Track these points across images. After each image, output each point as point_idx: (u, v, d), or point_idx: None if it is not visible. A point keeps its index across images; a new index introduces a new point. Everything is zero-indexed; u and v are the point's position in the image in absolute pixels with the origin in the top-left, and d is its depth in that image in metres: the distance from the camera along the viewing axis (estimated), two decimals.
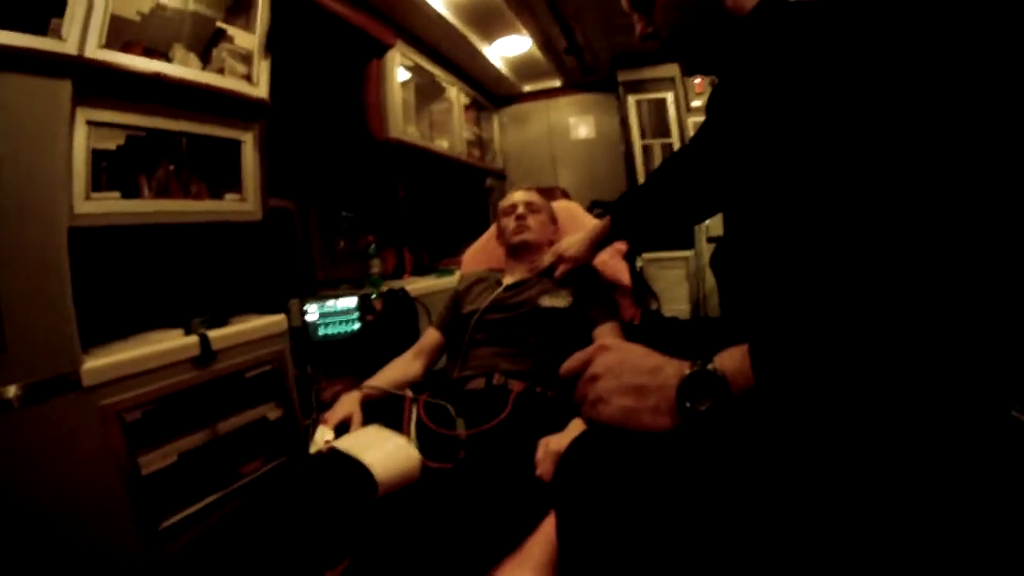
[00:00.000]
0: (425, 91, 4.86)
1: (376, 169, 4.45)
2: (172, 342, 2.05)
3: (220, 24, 2.57)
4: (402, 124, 4.06)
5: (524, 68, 5.80)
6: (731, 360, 0.77)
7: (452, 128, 5.09)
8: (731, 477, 0.76)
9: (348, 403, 1.70)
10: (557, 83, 6.30)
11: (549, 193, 2.93)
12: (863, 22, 0.78)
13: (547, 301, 1.94)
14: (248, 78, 2.58)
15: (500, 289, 2.06)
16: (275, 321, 2.47)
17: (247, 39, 2.61)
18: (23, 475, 1.62)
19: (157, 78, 2.13)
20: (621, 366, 0.88)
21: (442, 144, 4.91)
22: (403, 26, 4.14)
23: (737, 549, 0.72)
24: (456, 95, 5.16)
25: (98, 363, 1.81)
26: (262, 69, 2.65)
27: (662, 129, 5.57)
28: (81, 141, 1.91)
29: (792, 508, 0.73)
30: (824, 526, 0.72)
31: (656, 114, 5.60)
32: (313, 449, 1.50)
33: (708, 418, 0.77)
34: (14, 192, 1.67)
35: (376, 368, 1.99)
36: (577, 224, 2.40)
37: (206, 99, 2.36)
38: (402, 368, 2.00)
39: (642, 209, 1.73)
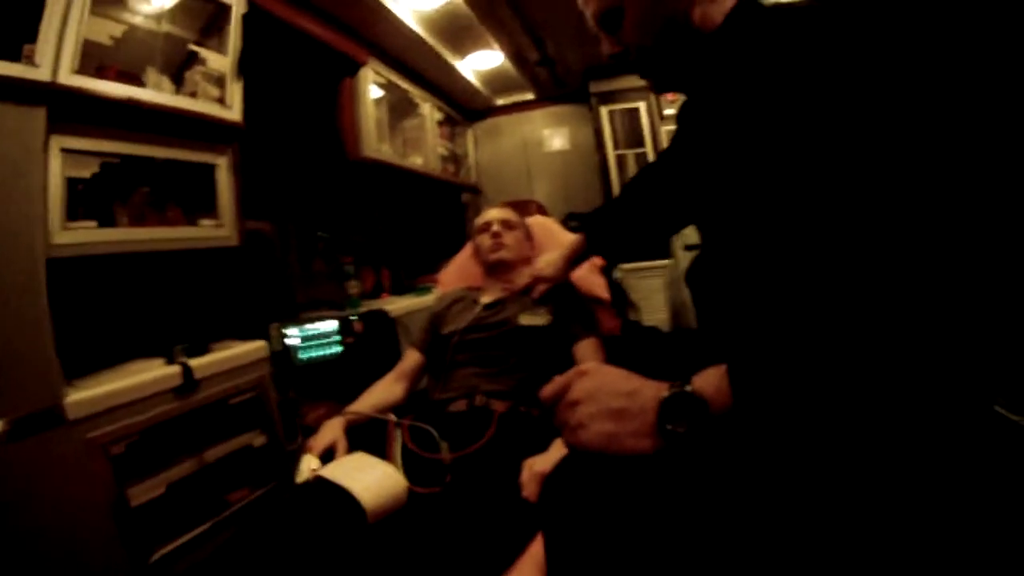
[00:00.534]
0: (398, 108, 4.85)
1: (351, 188, 4.43)
2: (154, 372, 2.03)
3: (193, 47, 2.56)
4: (376, 142, 4.06)
5: (497, 82, 5.80)
6: (709, 381, 0.78)
7: (426, 144, 5.08)
8: (714, 497, 0.77)
9: (332, 430, 1.70)
10: (530, 96, 6.30)
11: (524, 207, 2.94)
12: (831, 38, 0.80)
13: (526, 319, 1.95)
14: (221, 101, 2.57)
15: (479, 308, 2.06)
16: (256, 347, 2.45)
17: (220, 61, 2.60)
18: (11, 511, 1.59)
19: (131, 103, 2.11)
20: (600, 391, 0.88)
21: (416, 161, 4.90)
22: (375, 43, 4.13)
23: (721, 568, 0.73)
24: (429, 111, 5.15)
25: (82, 396, 1.79)
26: (235, 91, 2.63)
27: (636, 139, 5.58)
28: (56, 170, 1.89)
29: (776, 529, 0.73)
30: (807, 544, 0.72)
31: (629, 124, 5.62)
32: (300, 479, 1.50)
33: (688, 440, 0.78)
34: None
35: (359, 390, 2.00)
36: (553, 239, 2.42)
37: (180, 123, 2.35)
38: (384, 391, 2.01)
39: (615, 224, 1.74)
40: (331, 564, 1.22)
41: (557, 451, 1.36)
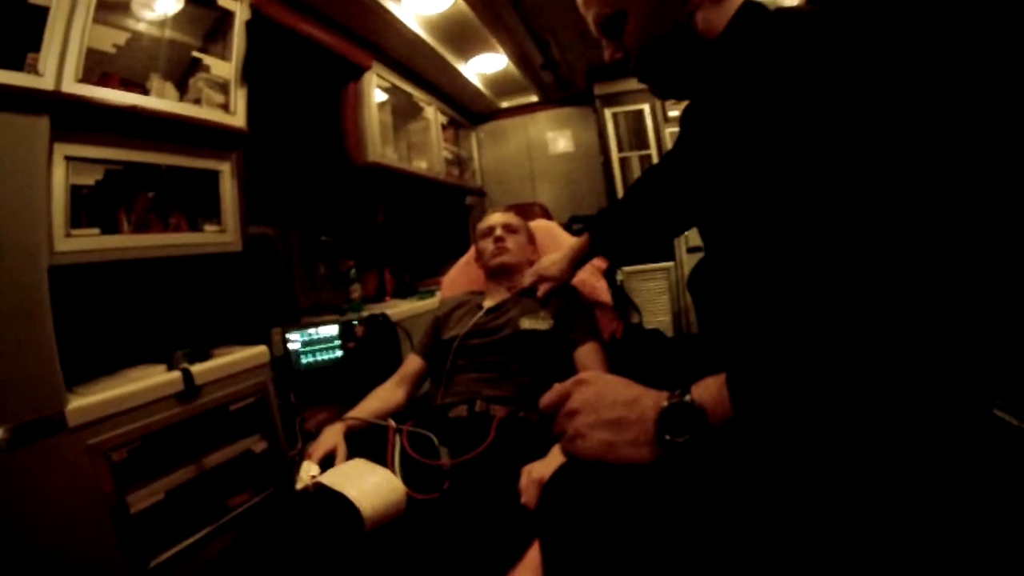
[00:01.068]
0: (402, 112, 4.86)
1: (355, 193, 4.44)
2: (156, 378, 2.04)
3: (196, 54, 2.57)
4: (380, 147, 4.06)
5: (501, 85, 5.80)
6: (708, 391, 0.79)
7: (430, 148, 5.08)
8: (712, 506, 0.78)
9: (332, 435, 1.70)
10: (534, 98, 6.30)
11: (528, 210, 2.95)
12: (832, 44, 0.80)
13: (527, 323, 1.95)
14: (225, 107, 2.58)
15: (481, 313, 2.06)
16: (257, 352, 2.46)
17: (224, 68, 2.61)
18: (12, 518, 1.60)
19: (134, 111, 2.12)
20: (599, 400, 0.88)
21: (420, 165, 4.91)
22: (379, 47, 4.14)
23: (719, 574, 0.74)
24: (433, 114, 5.15)
25: (83, 402, 1.80)
26: (239, 97, 2.64)
27: (640, 141, 5.57)
28: (60, 177, 1.90)
29: (774, 537, 0.74)
30: (805, 551, 0.73)
31: (634, 126, 5.60)
32: (299, 485, 1.50)
33: (687, 449, 0.78)
34: None
35: (359, 395, 2.00)
36: (556, 243, 2.41)
37: (183, 130, 2.36)
38: (384, 397, 2.01)
39: (620, 225, 1.74)
40: (329, 571, 1.22)
41: (556, 457, 1.36)
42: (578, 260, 1.95)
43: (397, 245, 4.84)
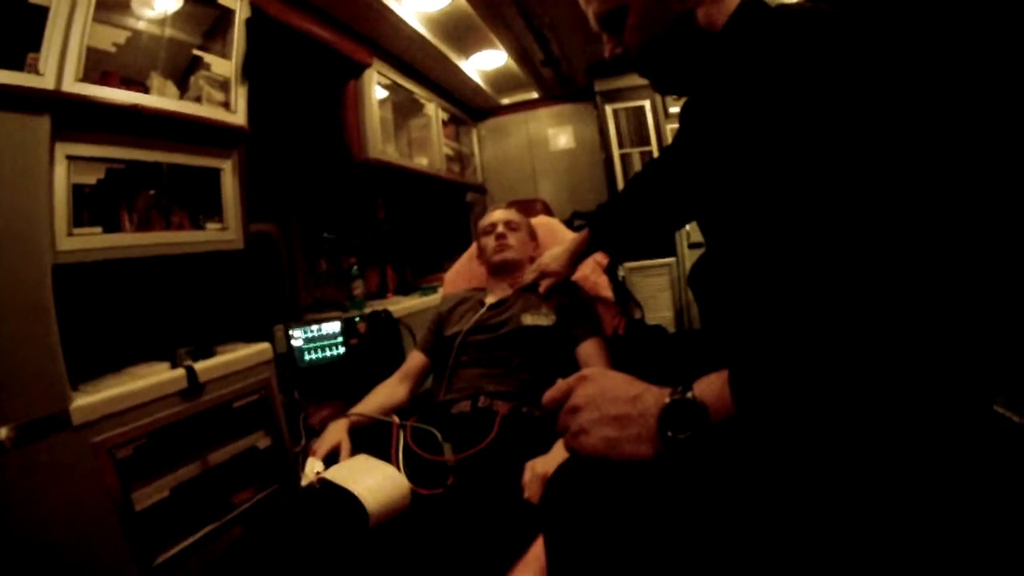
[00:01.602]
0: (403, 108, 4.85)
1: (356, 190, 4.44)
2: (160, 376, 2.04)
3: (197, 52, 2.57)
4: (381, 144, 4.05)
5: (501, 81, 5.79)
6: (710, 388, 0.79)
7: (431, 144, 5.08)
8: (714, 502, 0.78)
9: (336, 432, 1.71)
10: (535, 95, 6.28)
11: (529, 206, 2.95)
12: (832, 40, 0.80)
13: (530, 319, 1.95)
14: (226, 105, 2.58)
15: (483, 310, 2.07)
16: (260, 349, 2.46)
17: (224, 66, 2.61)
18: (17, 515, 1.61)
19: (135, 110, 2.12)
20: (602, 396, 0.88)
21: (421, 161, 4.90)
22: (379, 44, 4.13)
23: (722, 572, 0.74)
24: (434, 111, 5.15)
25: (87, 400, 1.80)
26: (240, 95, 2.64)
27: (641, 137, 5.57)
28: (61, 176, 1.90)
29: (776, 533, 0.74)
30: (808, 547, 0.73)
31: (635, 122, 5.60)
32: (304, 482, 1.50)
33: (689, 446, 0.78)
34: None
35: (362, 391, 2.00)
36: (557, 239, 2.41)
37: (184, 129, 2.36)
38: (388, 393, 2.01)
39: (619, 220, 1.74)
40: (334, 566, 1.22)
41: (559, 453, 1.36)
42: (578, 255, 1.95)
43: (399, 242, 4.85)
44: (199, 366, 2.14)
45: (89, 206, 2.02)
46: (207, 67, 2.56)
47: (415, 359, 2.14)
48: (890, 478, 0.73)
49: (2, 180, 1.69)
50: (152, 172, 2.28)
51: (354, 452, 1.64)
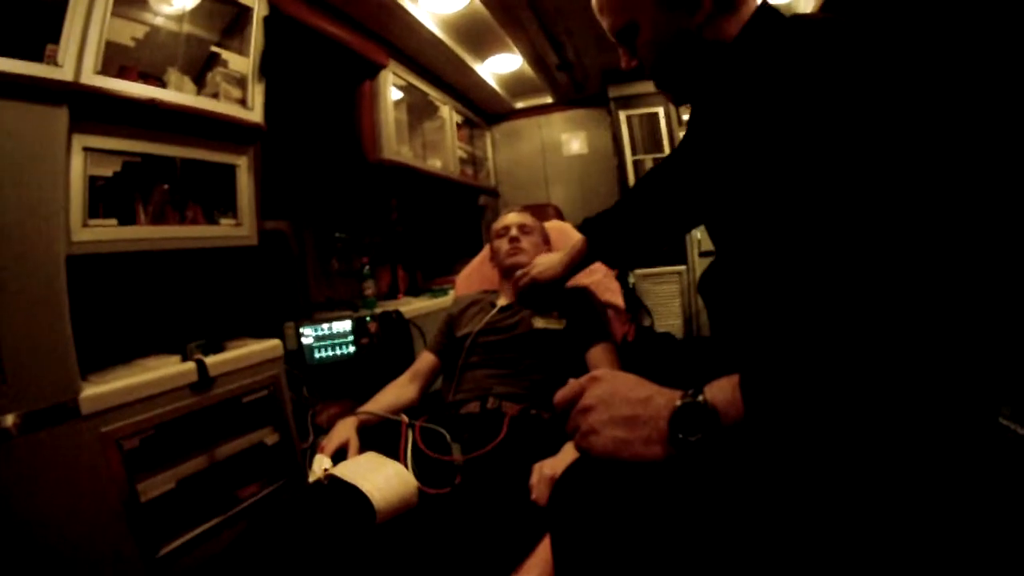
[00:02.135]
0: (418, 110, 4.86)
1: (369, 189, 4.45)
2: (170, 368, 2.05)
3: (214, 48, 2.59)
4: (395, 144, 4.06)
5: (516, 85, 5.81)
6: (721, 392, 0.79)
7: (445, 147, 5.09)
8: (723, 505, 0.78)
9: (344, 429, 1.71)
10: (549, 99, 6.29)
11: (541, 211, 2.95)
12: (847, 52, 0.81)
13: (541, 323, 1.95)
14: (243, 102, 2.59)
15: (494, 311, 2.07)
16: (271, 346, 2.47)
17: (241, 63, 2.63)
18: (23, 503, 1.62)
19: (152, 104, 2.13)
20: (613, 397, 0.89)
21: (435, 163, 4.92)
22: (396, 46, 4.15)
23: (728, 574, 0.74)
24: (449, 113, 5.16)
25: (97, 391, 1.81)
26: (256, 93, 2.66)
27: (654, 144, 5.56)
28: (78, 168, 1.91)
29: (783, 537, 0.74)
30: (815, 552, 0.73)
31: (648, 128, 5.60)
32: (312, 478, 1.51)
33: (699, 448, 0.78)
34: (12, 220, 1.67)
35: (371, 391, 2.00)
36: (569, 244, 2.41)
37: (201, 124, 2.37)
38: (397, 392, 2.01)
39: (616, 228, 1.73)
40: (341, 562, 1.23)
41: (567, 455, 1.36)
42: (574, 263, 1.93)
43: (411, 243, 4.85)
44: (209, 360, 2.15)
45: (104, 198, 2.03)
46: (224, 64, 2.57)
47: (425, 359, 2.14)
48: (896, 487, 0.73)
49: (20, 170, 1.71)
50: (168, 166, 2.29)
51: (362, 450, 1.64)
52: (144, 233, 2.15)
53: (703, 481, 0.80)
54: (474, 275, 2.67)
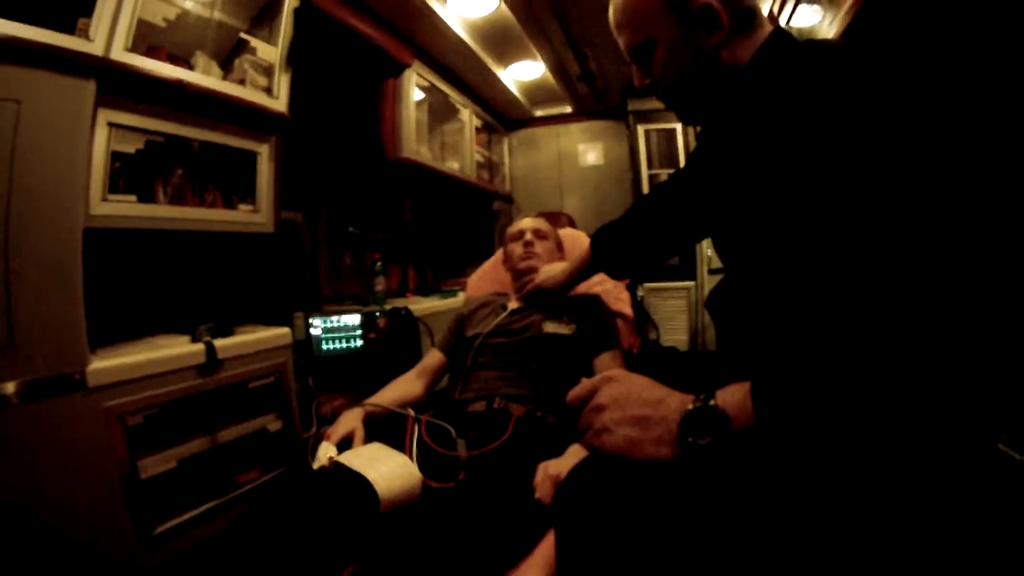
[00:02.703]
0: (438, 111, 4.89)
1: (386, 187, 4.47)
2: (179, 349, 2.06)
3: (243, 35, 2.61)
4: (415, 144, 4.08)
5: (537, 93, 5.84)
6: (733, 398, 0.80)
7: (463, 150, 5.12)
8: (729, 507, 0.78)
9: (350, 419, 1.71)
10: (568, 109, 6.32)
11: (554, 219, 2.95)
12: (858, 78, 0.83)
13: (551, 327, 1.96)
14: (268, 91, 2.61)
15: (505, 314, 2.07)
16: (280, 333, 2.47)
17: (269, 51, 2.65)
18: (20, 471, 1.62)
19: (180, 85, 2.15)
20: (626, 397, 0.90)
21: (452, 165, 4.94)
22: (421, 46, 4.18)
23: None
24: (469, 117, 5.19)
25: (104, 364, 1.82)
26: (283, 82, 2.67)
27: (670, 159, 5.58)
28: (101, 142, 1.92)
29: (789, 543, 0.74)
30: (820, 559, 0.73)
31: (665, 144, 5.61)
32: (316, 465, 1.51)
33: (708, 451, 0.79)
34: (34, 188, 1.68)
35: (377, 386, 2.01)
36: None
37: (226, 109, 2.39)
38: (404, 387, 2.02)
39: (621, 241, 1.73)
40: (343, 546, 1.23)
41: (572, 456, 1.36)
42: (578, 272, 1.93)
43: (423, 243, 4.87)
44: (218, 343, 2.16)
45: (125, 174, 2.05)
46: (252, 51, 2.59)
47: (433, 356, 2.14)
48: (897, 501, 0.74)
49: (45, 138, 1.72)
50: (190, 148, 2.31)
51: (367, 442, 1.65)
52: (162, 212, 2.16)
53: (709, 485, 0.80)
54: (486, 277, 2.68)
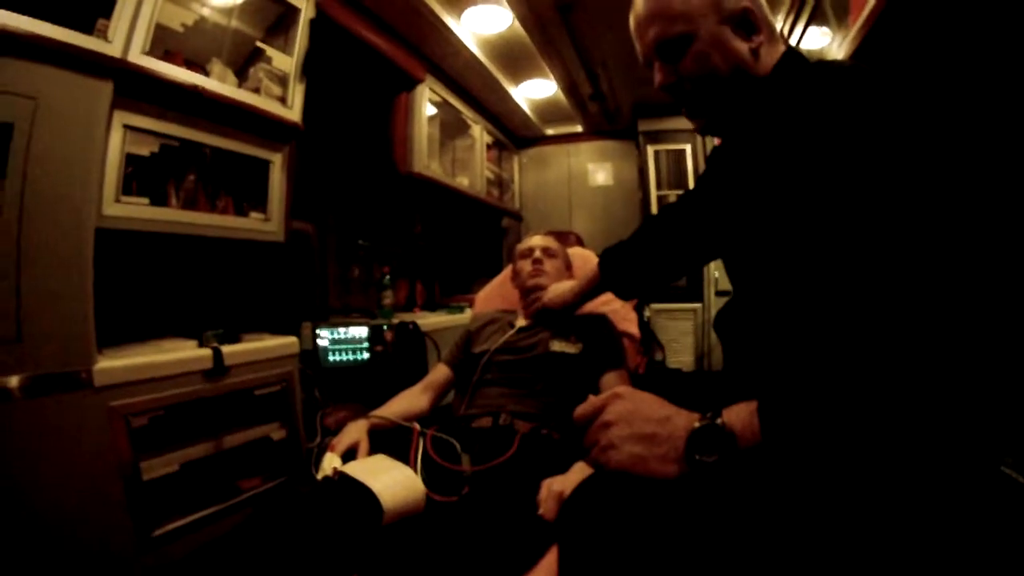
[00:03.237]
0: (450, 127, 4.92)
1: (396, 201, 4.49)
2: (186, 352, 2.06)
3: (259, 44, 2.62)
4: (426, 159, 4.10)
5: (548, 111, 5.87)
6: (739, 416, 0.81)
7: (474, 166, 5.15)
8: (733, 526, 0.78)
9: (355, 431, 1.71)
10: (579, 128, 6.37)
11: (563, 238, 2.96)
12: (870, 98, 0.84)
13: (557, 346, 1.96)
14: (283, 100, 2.62)
15: (512, 331, 2.08)
16: (287, 343, 2.47)
17: (284, 61, 2.66)
18: (21, 467, 1.62)
19: (196, 90, 2.16)
20: (633, 414, 0.90)
21: (463, 181, 4.96)
22: (434, 62, 4.21)
23: None
24: (480, 133, 5.22)
25: (111, 364, 1.82)
26: (297, 92, 2.68)
27: (680, 180, 5.60)
28: (116, 144, 1.93)
29: (792, 560, 0.74)
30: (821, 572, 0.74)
31: (674, 165, 5.64)
32: (320, 475, 1.51)
33: (714, 469, 0.79)
34: (47, 186, 1.68)
35: (382, 398, 2.01)
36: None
37: (241, 117, 2.39)
38: (410, 401, 2.02)
39: (629, 261, 1.73)
40: (345, 556, 1.23)
41: (577, 474, 1.36)
42: (585, 292, 1.94)
43: (431, 258, 4.88)
44: (225, 349, 2.16)
45: (139, 177, 2.05)
46: (268, 60, 2.60)
47: (440, 371, 2.14)
48: (903, 516, 0.74)
49: (61, 136, 1.72)
50: (203, 154, 2.32)
51: (371, 453, 1.65)
52: (174, 216, 2.16)
53: (714, 503, 0.80)
54: (494, 294, 2.69)
